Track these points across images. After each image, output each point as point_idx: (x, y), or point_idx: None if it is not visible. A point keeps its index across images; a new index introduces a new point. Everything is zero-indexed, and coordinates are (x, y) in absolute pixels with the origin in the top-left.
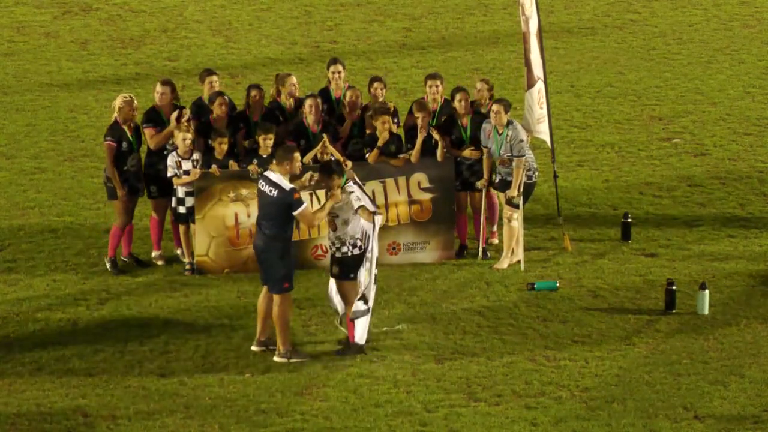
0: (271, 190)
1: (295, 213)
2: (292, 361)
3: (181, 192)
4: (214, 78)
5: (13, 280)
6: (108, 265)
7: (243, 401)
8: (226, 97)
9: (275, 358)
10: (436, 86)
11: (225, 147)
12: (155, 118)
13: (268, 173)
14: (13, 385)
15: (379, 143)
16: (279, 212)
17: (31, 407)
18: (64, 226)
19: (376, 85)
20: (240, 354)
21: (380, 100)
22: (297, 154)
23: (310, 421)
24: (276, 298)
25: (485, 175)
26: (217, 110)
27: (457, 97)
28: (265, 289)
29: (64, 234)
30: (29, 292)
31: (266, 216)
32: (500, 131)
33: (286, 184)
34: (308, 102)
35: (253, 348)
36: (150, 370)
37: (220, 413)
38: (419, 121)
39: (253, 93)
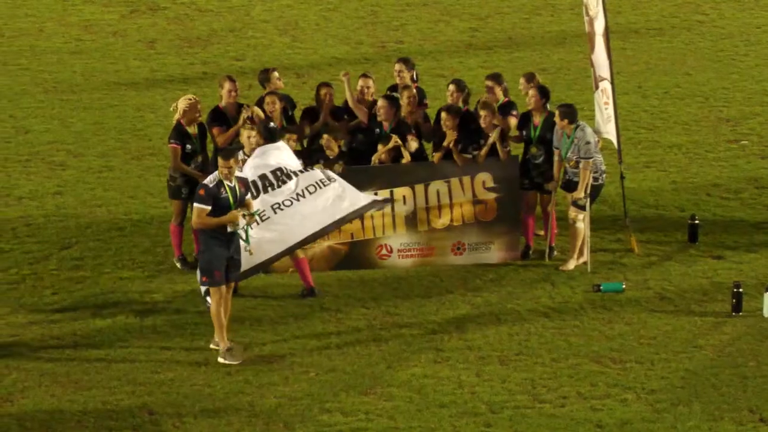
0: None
1: (193, 204)
2: (226, 361)
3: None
4: (275, 74)
5: (80, 278)
6: (178, 264)
7: (307, 400)
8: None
9: (219, 358)
10: (489, 86)
11: (293, 144)
12: (220, 117)
13: None
14: (79, 383)
15: (444, 143)
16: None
17: (98, 405)
18: (131, 224)
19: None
20: (305, 353)
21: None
22: (238, 155)
23: (375, 420)
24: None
25: (555, 176)
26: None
27: (530, 93)
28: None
29: (131, 232)
30: (96, 290)
31: None
32: (568, 134)
33: (208, 179)
34: (379, 103)
35: (211, 345)
36: (216, 368)
37: (284, 412)
38: (483, 121)
39: (323, 91)
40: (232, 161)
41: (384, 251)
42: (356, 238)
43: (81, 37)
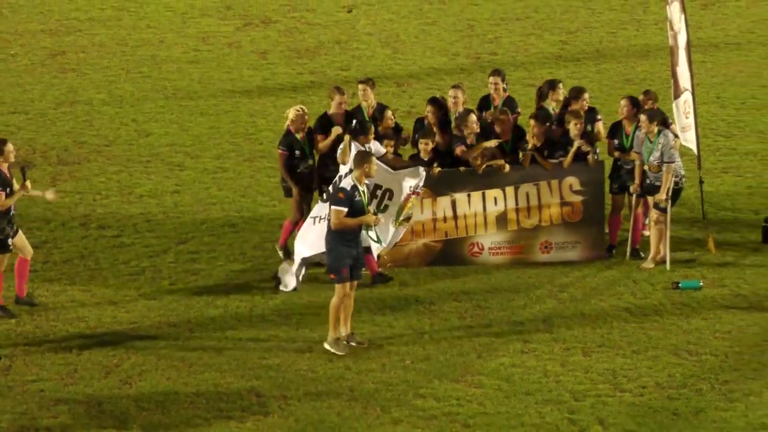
0: (331, 187)
1: (331, 207)
2: (331, 350)
3: None
4: (360, 86)
5: (195, 270)
6: (280, 253)
7: (403, 386)
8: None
9: (324, 344)
10: (584, 99)
11: (429, 147)
12: (326, 124)
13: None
14: (193, 367)
15: (529, 146)
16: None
17: (210, 387)
18: (242, 221)
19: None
20: (401, 342)
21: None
22: (373, 158)
23: (465, 406)
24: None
25: (636, 180)
26: (430, 115)
27: (621, 102)
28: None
29: (243, 228)
30: (210, 281)
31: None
32: (651, 139)
33: (344, 183)
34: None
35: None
36: (319, 354)
37: (381, 396)
38: (573, 129)
39: (429, 108)
40: (370, 163)
41: (476, 249)
42: (450, 236)
43: (198, 48)
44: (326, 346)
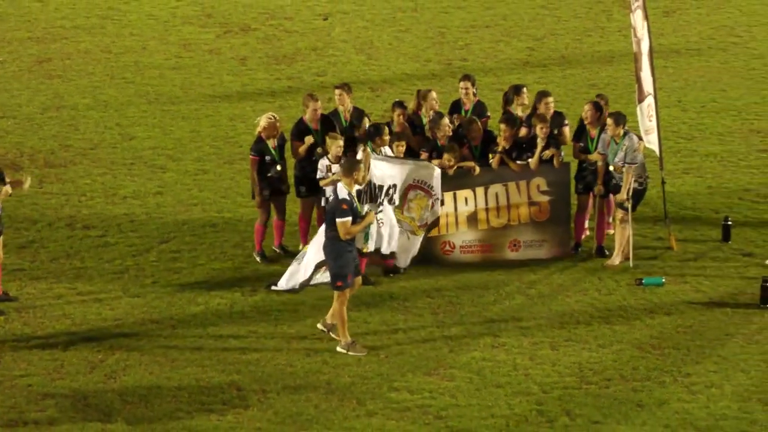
0: (330, 196)
1: (337, 220)
2: (350, 353)
3: (328, 192)
4: (337, 91)
5: (177, 269)
6: (258, 259)
7: (378, 379)
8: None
9: (338, 348)
10: (547, 103)
11: (403, 148)
12: (303, 131)
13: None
14: (175, 362)
15: (498, 148)
16: (331, 217)
17: (191, 381)
18: (223, 221)
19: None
20: (376, 337)
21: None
22: (362, 166)
23: (438, 398)
24: (334, 294)
25: (599, 181)
26: (396, 119)
27: (585, 108)
28: None
29: (223, 228)
30: (191, 279)
31: (326, 219)
32: (617, 141)
33: (341, 194)
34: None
35: (318, 326)
36: (297, 349)
37: (357, 389)
38: (539, 132)
39: (397, 111)
40: (359, 171)
41: (447, 247)
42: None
43: (180, 55)
44: (340, 349)
